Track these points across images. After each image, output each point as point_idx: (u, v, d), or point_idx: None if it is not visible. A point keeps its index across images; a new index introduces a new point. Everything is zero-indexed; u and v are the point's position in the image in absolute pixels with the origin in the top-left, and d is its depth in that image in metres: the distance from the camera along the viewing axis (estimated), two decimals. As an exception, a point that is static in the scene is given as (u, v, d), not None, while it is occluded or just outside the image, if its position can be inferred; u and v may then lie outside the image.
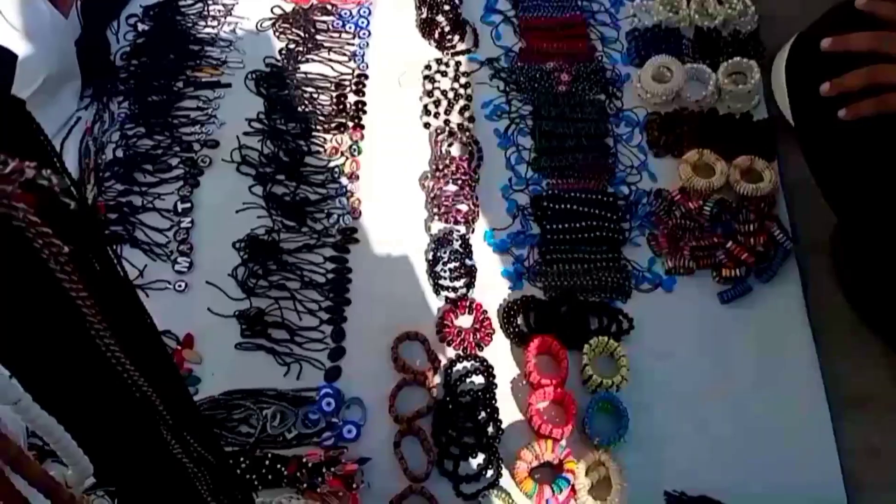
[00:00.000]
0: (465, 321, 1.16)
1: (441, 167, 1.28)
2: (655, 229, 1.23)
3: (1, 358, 0.51)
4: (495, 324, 1.16)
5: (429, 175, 1.28)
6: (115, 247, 1.20)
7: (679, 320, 1.17)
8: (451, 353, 1.13)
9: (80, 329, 0.52)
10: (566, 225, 1.23)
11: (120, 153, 1.28)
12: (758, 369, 1.13)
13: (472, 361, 1.12)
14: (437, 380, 1.10)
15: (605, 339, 1.10)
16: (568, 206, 1.24)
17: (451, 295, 1.18)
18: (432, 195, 1.26)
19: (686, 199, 1.23)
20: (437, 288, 1.18)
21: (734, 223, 1.21)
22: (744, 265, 1.17)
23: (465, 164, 1.28)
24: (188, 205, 1.24)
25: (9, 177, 0.40)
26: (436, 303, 1.18)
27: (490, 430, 1.07)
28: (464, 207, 1.25)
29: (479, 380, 1.11)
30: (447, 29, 1.42)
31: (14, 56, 0.45)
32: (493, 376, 1.11)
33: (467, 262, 1.20)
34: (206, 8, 1.44)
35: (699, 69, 1.35)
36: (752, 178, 1.25)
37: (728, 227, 1.22)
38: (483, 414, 1.08)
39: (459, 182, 1.27)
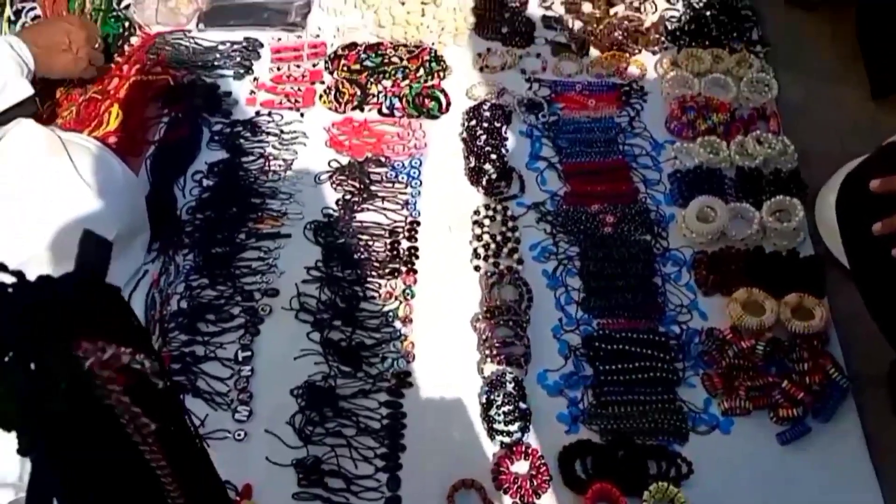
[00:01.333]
0: (521, 467, 1.16)
1: (492, 309, 1.31)
2: (709, 369, 1.24)
3: None
4: (552, 469, 1.16)
5: (480, 317, 1.31)
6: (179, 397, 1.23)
7: (738, 463, 1.16)
8: (507, 501, 1.13)
9: (158, 499, 0.55)
10: (619, 366, 1.24)
11: (184, 304, 1.34)
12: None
13: (530, 509, 1.11)
14: (494, 529, 1.10)
15: (665, 485, 1.09)
16: (620, 346, 1.26)
17: (506, 440, 1.18)
18: (484, 337, 1.29)
19: (738, 338, 1.24)
20: (492, 432, 1.19)
21: (788, 362, 1.22)
22: (801, 405, 1.17)
23: (516, 306, 1.31)
24: (248, 353, 1.28)
25: (107, 362, 0.44)
26: (490, 448, 1.19)
27: (550, 582, 1.06)
28: (516, 349, 1.27)
29: (537, 529, 1.10)
30: (494, 176, 1.49)
31: (110, 245, 0.51)
32: (552, 525, 1.10)
33: (521, 405, 1.21)
34: (266, 164, 1.53)
35: (742, 208, 1.39)
36: (802, 316, 1.26)
37: (782, 365, 1.22)
38: (543, 565, 1.07)
39: (511, 324, 1.30)
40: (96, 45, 1.54)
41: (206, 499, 0.61)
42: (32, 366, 0.43)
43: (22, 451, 0.44)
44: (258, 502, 1.14)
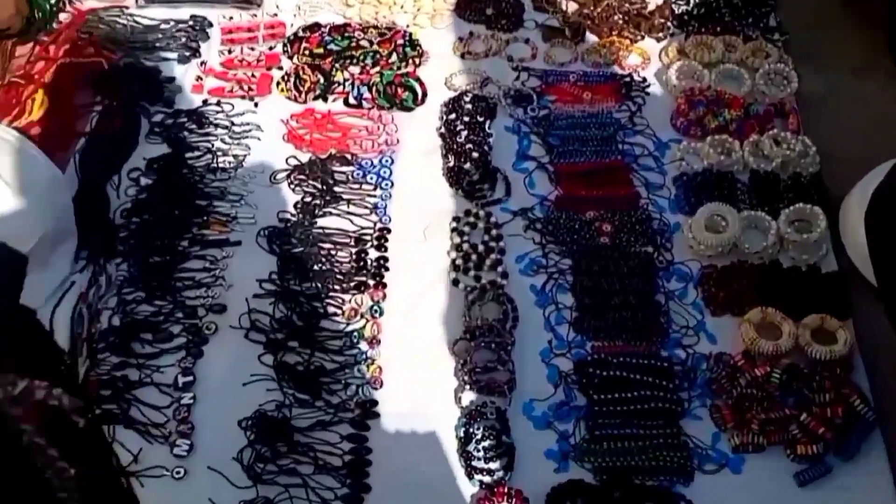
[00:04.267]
0: (503, 511, 1.16)
1: (472, 329, 1.31)
2: (718, 399, 1.24)
3: None
4: (539, 514, 1.15)
5: (458, 339, 1.31)
6: (108, 428, 1.22)
7: (751, 507, 1.16)
8: (487, 549, 1.13)
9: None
10: (616, 395, 1.24)
11: (116, 321, 1.33)
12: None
13: (513, 560, 1.11)
14: (472, 582, 1.09)
15: (667, 531, 1.09)
16: (617, 372, 1.26)
17: (487, 479, 1.18)
18: (462, 361, 1.28)
19: (751, 364, 1.25)
20: (470, 470, 1.19)
21: (807, 392, 1.22)
22: (821, 441, 1.17)
23: (500, 326, 1.31)
24: (190, 378, 1.27)
25: (18, 399, 0.43)
26: (469, 489, 1.19)
27: None
28: (499, 375, 1.27)
29: (521, 582, 1.10)
30: (476, 177, 1.49)
31: (24, 259, 0.50)
32: (538, 578, 1.10)
33: (504, 439, 1.21)
34: (214, 160, 1.53)
35: (757, 217, 1.40)
36: (824, 340, 1.27)
37: (801, 396, 1.22)
38: None
39: (493, 346, 1.29)
40: None
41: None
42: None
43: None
44: (199, 551, 1.13)
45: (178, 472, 1.19)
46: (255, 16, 1.76)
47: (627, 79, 1.65)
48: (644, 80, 1.65)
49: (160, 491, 1.17)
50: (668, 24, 1.74)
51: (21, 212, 1.29)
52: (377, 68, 1.66)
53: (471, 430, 1.22)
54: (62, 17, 1.74)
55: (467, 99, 1.61)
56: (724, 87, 1.61)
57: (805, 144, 1.50)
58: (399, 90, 1.63)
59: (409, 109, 1.62)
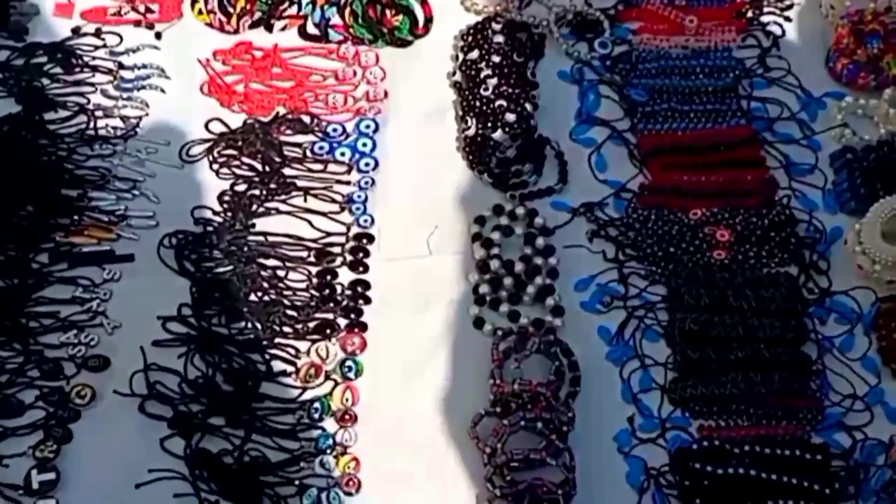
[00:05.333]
0: None
1: (506, 400, 1.29)
2: (903, 512, 1.23)
3: None
4: None
5: (484, 415, 1.29)
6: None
7: None
8: None
9: None
10: (740, 506, 1.23)
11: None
12: None
13: None
14: None
15: None
16: (741, 470, 1.24)
17: None
18: (490, 451, 1.27)
19: (954, 457, 1.23)
20: None
21: None
22: None
23: (550, 394, 1.29)
24: (51, 475, 1.25)
25: None
26: None
27: None
28: (549, 475, 1.25)
29: None
30: (513, 154, 1.48)
31: None
32: None
33: (560, 580, 1.20)
34: (91, 125, 1.52)
35: (965, 220, 1.39)
36: None
37: None
38: None
39: (540, 426, 1.28)
40: None
41: None
42: None
43: None
44: None
45: None
46: None
47: (753, -5, 1.65)
48: (782, -3, 1.65)
49: None
50: None
51: None
52: (352, -22, 1.66)
53: (507, 569, 1.21)
54: None
55: (498, 27, 1.60)
56: (914, 7, 1.60)
57: None
58: (388, 13, 1.63)
59: (405, 43, 1.62)
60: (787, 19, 1.62)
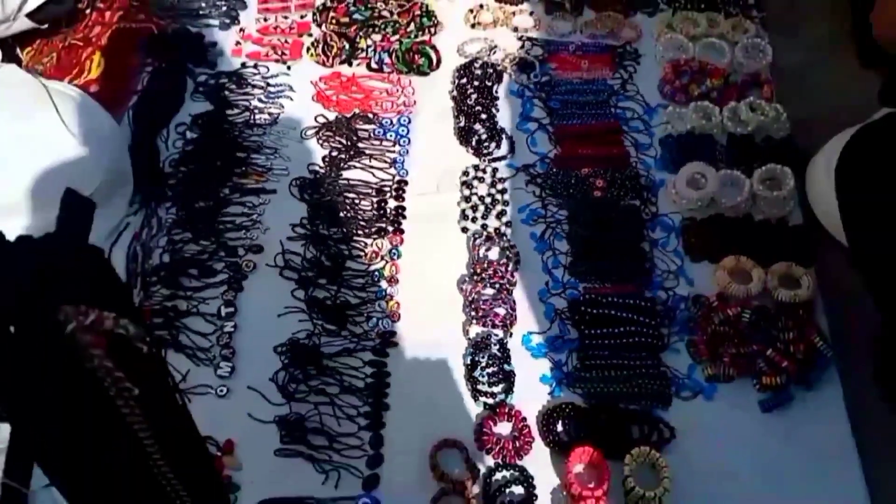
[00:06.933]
0: (504, 428, 1.17)
1: (479, 271, 1.31)
2: (695, 335, 1.24)
3: (62, 486, 0.53)
4: (535, 431, 1.16)
5: (466, 279, 1.31)
6: (160, 351, 1.23)
7: (720, 429, 1.17)
8: (490, 461, 1.14)
9: (139, 460, 0.55)
10: (605, 330, 1.24)
11: (166, 258, 1.33)
12: (800, 478, 1.12)
13: (512, 471, 1.12)
14: (475, 490, 1.11)
15: (647, 449, 1.10)
16: (606, 311, 1.26)
17: (490, 401, 1.19)
18: (470, 299, 1.28)
19: (724, 305, 1.25)
20: (476, 393, 1.20)
21: (773, 331, 1.22)
22: (784, 373, 1.18)
23: (503, 268, 1.31)
24: (232, 309, 1.28)
25: (89, 327, 0.43)
26: (474, 409, 1.20)
27: (531, 542, 1.07)
28: (501, 311, 1.27)
29: (518, 490, 1.11)
30: (484, 137, 1.48)
31: (93, 204, 0.49)
32: (534, 487, 1.11)
33: (505, 366, 1.22)
34: (252, 117, 1.51)
35: (733, 175, 1.39)
36: (789, 285, 1.26)
37: (767, 334, 1.22)
38: (523, 526, 1.08)
39: (497, 286, 1.29)
40: None
41: (187, 457, 0.61)
42: (12, 329, 0.41)
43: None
44: (240, 458, 1.14)
45: (221, 391, 1.20)
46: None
47: (621, 49, 1.62)
48: (636, 50, 1.62)
49: (206, 406, 1.18)
50: (658, 0, 1.69)
51: (84, 159, 1.28)
52: (397, 36, 1.63)
53: (476, 358, 1.23)
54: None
55: (477, 65, 1.58)
56: (706, 59, 1.58)
57: (777, 111, 1.48)
58: (416, 56, 1.60)
59: (425, 74, 1.60)
60: (638, 63, 1.60)
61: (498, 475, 1.12)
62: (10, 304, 0.41)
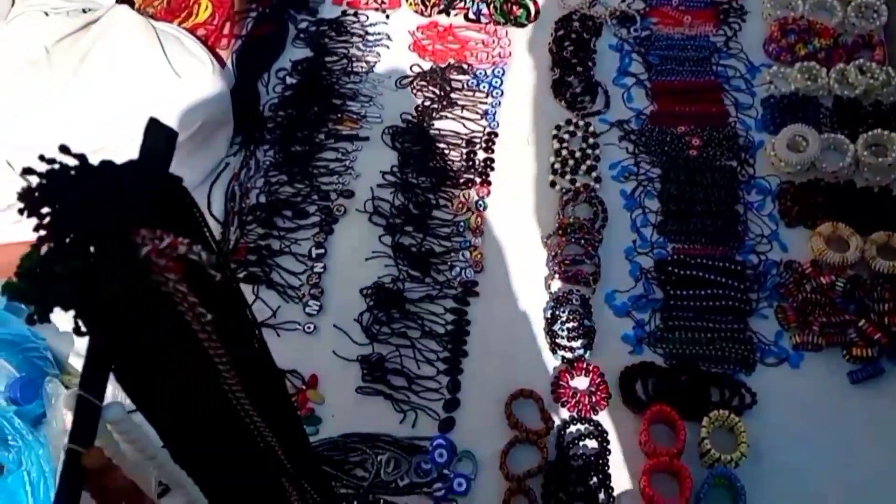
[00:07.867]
0: (580, 383, 1.17)
1: (564, 226, 1.29)
2: (784, 302, 1.21)
3: (144, 411, 0.55)
4: (612, 388, 1.15)
5: (551, 233, 1.30)
6: (253, 287, 1.27)
7: (804, 398, 1.14)
8: (564, 414, 1.14)
9: (216, 387, 0.57)
10: (691, 292, 1.22)
11: (263, 199, 1.37)
12: (885, 457, 1.08)
13: (586, 425, 1.12)
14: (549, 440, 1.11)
15: (726, 412, 1.08)
16: (693, 272, 1.23)
17: (568, 355, 1.19)
18: (554, 254, 1.28)
19: (818, 272, 1.20)
20: (555, 347, 1.20)
21: (868, 301, 1.17)
22: (876, 345, 1.13)
23: (590, 225, 1.29)
24: (322, 251, 1.31)
25: (164, 251, 0.44)
26: (552, 362, 1.20)
27: (601, 496, 1.07)
28: (586, 268, 1.26)
29: (592, 444, 1.11)
30: (579, 90, 1.45)
31: (175, 134, 0.51)
32: (607, 442, 1.11)
33: (586, 322, 1.21)
34: (349, 65, 1.53)
35: (837, 139, 1.33)
36: (888, 255, 1.21)
37: (861, 304, 1.18)
38: (595, 480, 1.08)
39: (583, 242, 1.28)
40: None
41: (266, 391, 0.63)
42: (91, 249, 0.43)
43: (77, 331, 0.45)
44: (323, 393, 1.18)
45: (308, 328, 1.24)
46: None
47: (726, 5, 1.56)
48: (742, 7, 1.56)
49: (294, 342, 1.23)
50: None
51: (188, 100, 1.32)
52: (496, -13, 1.61)
53: (557, 312, 1.22)
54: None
55: (576, 18, 1.55)
56: (815, 18, 1.50)
57: (889, 74, 1.40)
58: (514, 7, 1.58)
59: (522, 25, 1.57)
60: (743, 20, 1.53)
61: (572, 428, 1.13)
62: (91, 224, 0.43)
